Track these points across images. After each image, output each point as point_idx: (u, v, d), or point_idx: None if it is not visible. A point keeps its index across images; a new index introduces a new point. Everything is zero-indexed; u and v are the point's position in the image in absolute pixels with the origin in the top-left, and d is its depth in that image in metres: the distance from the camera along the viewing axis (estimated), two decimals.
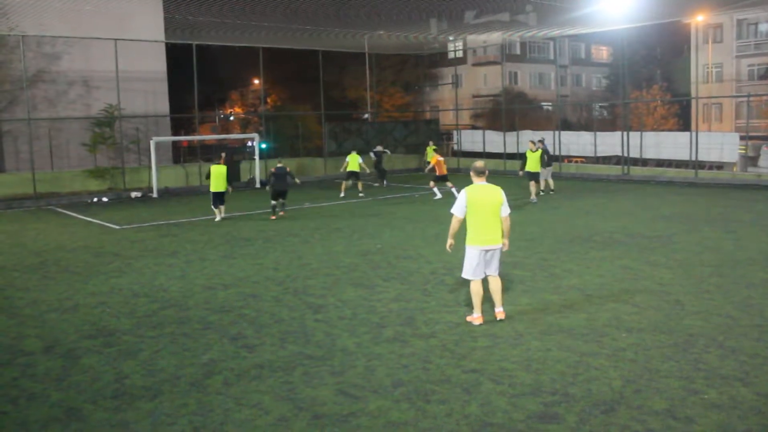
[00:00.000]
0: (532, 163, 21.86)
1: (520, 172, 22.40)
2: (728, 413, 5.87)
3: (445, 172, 22.85)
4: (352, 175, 25.28)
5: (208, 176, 19.41)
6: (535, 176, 21.90)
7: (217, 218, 19.31)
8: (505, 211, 8.56)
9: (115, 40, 27.83)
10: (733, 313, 8.80)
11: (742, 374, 6.73)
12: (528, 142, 23.12)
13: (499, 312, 8.72)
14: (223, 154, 21.08)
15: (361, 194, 24.91)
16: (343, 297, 10.22)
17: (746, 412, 5.89)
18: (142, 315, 9.57)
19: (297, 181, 20.86)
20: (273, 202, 19.54)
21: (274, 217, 19.37)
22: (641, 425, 5.68)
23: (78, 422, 6.09)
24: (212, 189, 19.26)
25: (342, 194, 24.51)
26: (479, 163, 8.67)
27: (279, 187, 19.32)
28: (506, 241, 8.67)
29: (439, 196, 23.00)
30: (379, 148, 29.56)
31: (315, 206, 21.98)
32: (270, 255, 13.84)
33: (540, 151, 22.12)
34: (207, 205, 21.47)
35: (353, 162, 25.18)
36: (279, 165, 19.66)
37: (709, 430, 5.57)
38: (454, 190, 21.73)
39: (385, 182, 28.77)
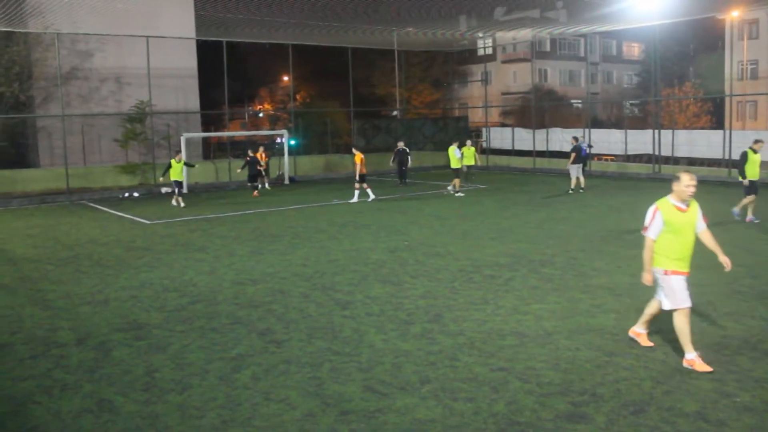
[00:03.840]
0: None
1: (744, 181, 16.14)
2: (761, 417, 5.77)
3: (365, 171, 22.59)
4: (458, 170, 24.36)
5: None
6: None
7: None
8: (701, 225, 7.19)
9: (147, 37, 28.16)
10: (766, 315, 8.65)
11: None
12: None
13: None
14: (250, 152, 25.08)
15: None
16: (371, 293, 10.24)
17: None
18: (172, 309, 9.68)
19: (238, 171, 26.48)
20: (249, 183, 25.73)
21: (256, 194, 24.87)
22: (671, 427, 5.61)
23: (109, 414, 6.18)
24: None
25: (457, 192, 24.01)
26: (686, 175, 7.11)
27: (252, 170, 25.59)
28: (724, 258, 7.19)
29: (370, 198, 22.47)
30: (401, 146, 28.72)
31: (342, 203, 22.03)
32: (298, 251, 13.91)
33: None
34: (236, 200, 21.99)
35: (468, 156, 25.36)
36: (251, 155, 25.88)
37: None
38: (370, 191, 22.33)
39: (406, 181, 28.19)
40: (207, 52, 35.06)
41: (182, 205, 21.88)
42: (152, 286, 11.13)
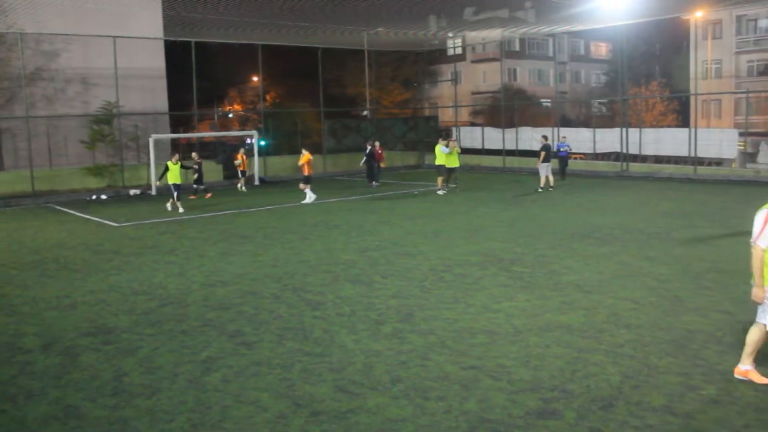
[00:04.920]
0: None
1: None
2: (726, 409, 5.87)
3: (310, 173, 22.37)
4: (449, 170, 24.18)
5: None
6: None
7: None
8: None
9: (114, 37, 27.81)
10: (731, 309, 8.80)
11: None
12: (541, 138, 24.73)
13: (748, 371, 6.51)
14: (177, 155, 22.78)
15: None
16: (342, 294, 10.22)
17: (744, 407, 5.89)
18: (141, 312, 9.57)
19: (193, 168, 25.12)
20: (194, 186, 24.80)
21: (193, 197, 24.18)
22: (640, 421, 5.68)
23: (76, 420, 6.08)
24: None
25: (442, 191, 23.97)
26: None
27: (199, 174, 25.08)
28: None
29: (307, 200, 22.22)
30: (371, 145, 28.19)
31: (315, 203, 21.96)
32: (269, 252, 13.84)
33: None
34: (205, 202, 21.73)
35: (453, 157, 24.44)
36: (198, 160, 25.24)
37: (708, 425, 5.57)
38: (308, 191, 22.18)
39: (374, 183, 27.55)
40: (175, 52, 34.70)
41: (180, 210, 20.86)
42: (121, 290, 10.99)
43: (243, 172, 27.53)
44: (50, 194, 26.24)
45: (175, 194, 21.08)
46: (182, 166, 21.74)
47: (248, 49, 36.82)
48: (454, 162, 24.20)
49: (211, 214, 19.99)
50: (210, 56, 52.01)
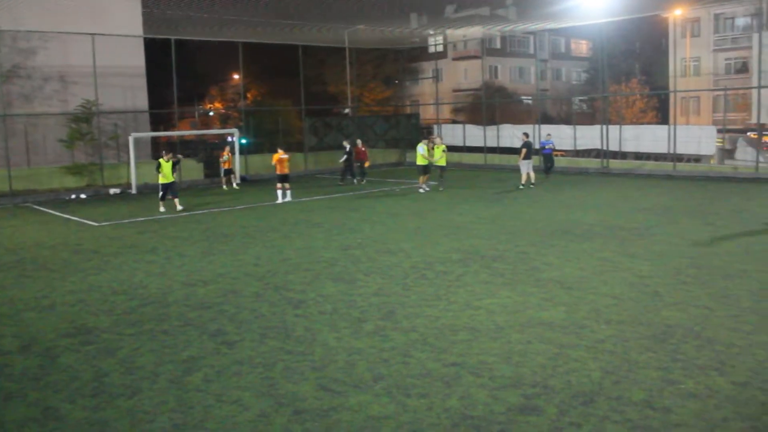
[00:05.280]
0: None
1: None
2: (705, 402, 5.94)
3: (284, 172, 22.02)
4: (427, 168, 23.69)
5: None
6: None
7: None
8: None
9: (92, 35, 27.53)
10: (710, 304, 8.89)
11: (719, 364, 6.81)
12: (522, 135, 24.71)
13: None
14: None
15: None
16: (324, 292, 10.21)
17: (722, 401, 5.96)
18: (121, 312, 9.49)
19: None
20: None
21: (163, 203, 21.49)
22: (620, 415, 5.73)
23: (56, 422, 6.02)
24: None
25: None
26: None
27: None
28: None
29: (280, 200, 21.92)
30: (349, 144, 27.87)
31: (296, 201, 21.90)
32: (250, 250, 13.78)
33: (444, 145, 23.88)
34: (186, 200, 21.54)
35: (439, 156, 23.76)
36: (167, 157, 22.28)
37: (686, 419, 5.63)
38: (279, 192, 21.96)
39: (348, 179, 27.29)
40: (155, 50, 34.40)
41: (179, 208, 20.25)
42: (100, 290, 10.89)
43: (229, 171, 27.28)
44: (28, 194, 25.94)
45: (160, 194, 20.45)
46: (175, 163, 20.81)
47: (229, 47, 36.59)
48: (440, 160, 23.69)
49: (189, 213, 19.86)
50: (190, 54, 51.70)
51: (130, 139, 27.07)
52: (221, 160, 27.38)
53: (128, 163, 27.54)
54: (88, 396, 6.56)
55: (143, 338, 8.27)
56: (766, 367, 6.68)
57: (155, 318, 9.14)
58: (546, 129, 32.60)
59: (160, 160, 20.51)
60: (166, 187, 20.40)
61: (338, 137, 34.10)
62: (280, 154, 22.14)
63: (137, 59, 32.53)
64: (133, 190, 26.90)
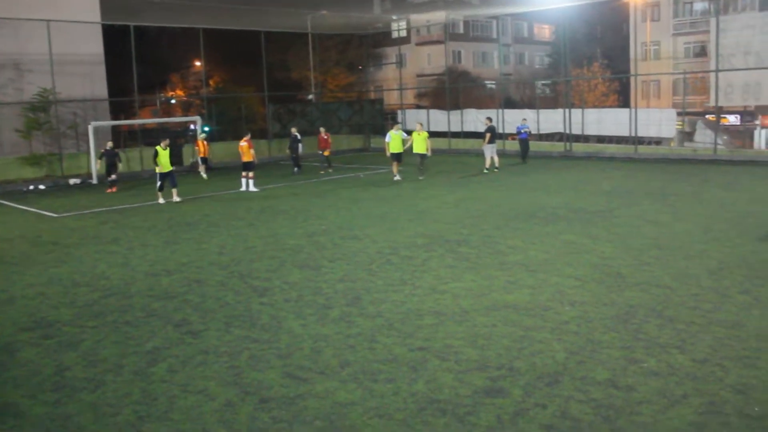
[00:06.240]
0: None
1: None
2: (666, 380, 6.04)
3: (248, 160, 21.56)
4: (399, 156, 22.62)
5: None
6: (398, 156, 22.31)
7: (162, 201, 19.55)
8: None
9: (48, 21, 26.88)
10: (671, 284, 9.05)
11: (679, 342, 6.94)
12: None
13: None
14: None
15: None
16: (289, 279, 10.15)
17: (683, 378, 6.07)
18: (83, 305, 9.33)
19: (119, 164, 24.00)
20: (107, 178, 23.15)
21: (112, 190, 22.61)
22: (584, 395, 5.80)
23: (15, 418, 5.90)
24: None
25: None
26: None
27: (110, 163, 23.32)
28: None
29: (243, 188, 21.58)
30: (294, 132, 26.97)
31: (261, 189, 21.71)
32: (214, 239, 13.65)
33: (425, 132, 22.51)
34: (149, 190, 21.16)
35: (419, 143, 22.41)
36: (108, 147, 23.48)
37: (649, 396, 5.73)
38: (244, 181, 21.53)
39: (296, 169, 26.41)
40: (114, 36, 33.73)
41: (177, 199, 19.39)
42: (61, 282, 10.69)
43: (204, 159, 26.69)
44: None
45: (158, 184, 19.35)
46: (172, 150, 19.88)
47: (190, 33, 36.04)
48: (421, 148, 22.31)
49: (154, 202, 19.58)
50: (150, 41, 50.77)
51: (90, 128, 26.57)
52: (196, 149, 26.99)
53: (88, 153, 27.03)
54: (49, 391, 6.44)
55: (106, 330, 8.15)
56: (724, 344, 6.83)
57: (118, 309, 9.01)
58: (510, 114, 32.83)
59: (157, 148, 19.35)
60: (164, 177, 19.32)
61: (302, 123, 33.89)
62: (241, 142, 21.88)
63: (95, 46, 31.80)
64: (94, 180, 26.42)
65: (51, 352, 7.50)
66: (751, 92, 34.96)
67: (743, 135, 40.66)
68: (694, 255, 10.56)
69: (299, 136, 26.77)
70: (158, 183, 19.41)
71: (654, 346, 6.85)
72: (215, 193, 21.29)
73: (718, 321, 7.53)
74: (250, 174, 21.67)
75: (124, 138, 39.55)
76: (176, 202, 19.39)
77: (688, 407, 5.52)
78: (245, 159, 21.66)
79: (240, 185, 21.85)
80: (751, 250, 10.81)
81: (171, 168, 19.39)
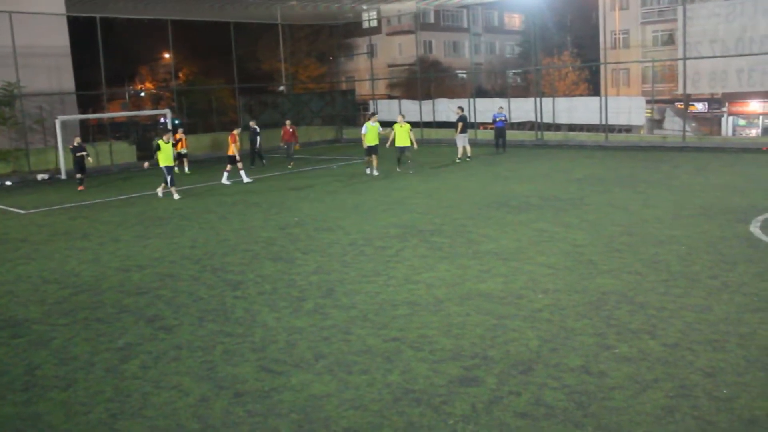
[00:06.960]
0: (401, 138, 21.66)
1: None
2: (638, 365, 6.12)
3: (231, 153, 21.40)
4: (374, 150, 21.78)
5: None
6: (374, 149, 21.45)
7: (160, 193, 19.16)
8: None
9: (10, 12, 26.34)
10: (641, 270, 9.16)
11: (650, 327, 7.03)
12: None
13: None
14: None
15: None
16: (262, 272, 10.10)
17: (654, 363, 6.15)
18: (53, 302, 9.20)
19: (90, 159, 22.79)
20: (78, 175, 22.13)
21: (81, 188, 21.60)
22: (558, 382, 5.86)
23: None
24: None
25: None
26: None
27: (79, 161, 22.32)
28: None
29: (225, 181, 21.40)
30: (252, 125, 26.61)
31: (233, 181, 21.53)
32: (186, 233, 13.52)
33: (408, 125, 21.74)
34: (120, 184, 20.93)
35: (402, 135, 21.84)
36: (76, 144, 22.53)
37: (621, 382, 5.79)
38: (225, 175, 21.44)
39: (264, 161, 26.13)
40: (80, 29, 33.11)
41: (176, 197, 18.51)
42: (30, 279, 10.53)
43: (185, 153, 25.99)
44: None
45: (169, 178, 18.46)
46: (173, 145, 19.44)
47: (158, 25, 35.54)
48: (403, 140, 21.73)
49: (124, 196, 19.34)
50: (118, 33, 49.98)
51: (57, 123, 26.15)
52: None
53: (56, 148, 26.60)
54: (19, 390, 6.34)
55: (77, 327, 8.04)
56: (694, 329, 6.93)
57: (89, 306, 8.89)
58: (482, 103, 32.91)
59: (159, 141, 18.69)
60: (171, 170, 18.65)
61: (274, 115, 33.69)
62: (230, 135, 21.88)
63: (61, 39, 31.22)
64: (63, 176, 26.02)
65: (20, 351, 7.39)
66: (717, 80, 35.38)
67: (711, 122, 41.20)
68: (665, 241, 10.69)
69: (258, 129, 26.44)
70: (168, 177, 18.46)
71: (625, 332, 6.94)
72: (188, 187, 21.07)
73: (687, 306, 7.64)
74: (227, 167, 21.52)
75: (92, 132, 38.98)
76: (167, 196, 18.85)
77: (659, 391, 5.60)
78: (229, 152, 21.59)
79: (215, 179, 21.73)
80: (719, 235, 10.98)
81: (172, 163, 18.77)
